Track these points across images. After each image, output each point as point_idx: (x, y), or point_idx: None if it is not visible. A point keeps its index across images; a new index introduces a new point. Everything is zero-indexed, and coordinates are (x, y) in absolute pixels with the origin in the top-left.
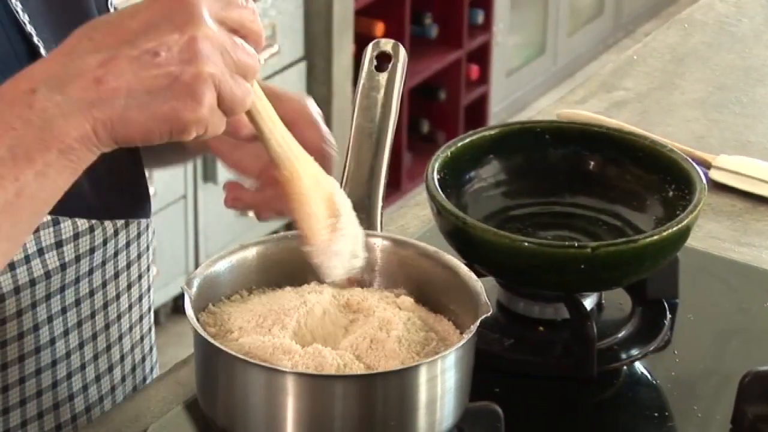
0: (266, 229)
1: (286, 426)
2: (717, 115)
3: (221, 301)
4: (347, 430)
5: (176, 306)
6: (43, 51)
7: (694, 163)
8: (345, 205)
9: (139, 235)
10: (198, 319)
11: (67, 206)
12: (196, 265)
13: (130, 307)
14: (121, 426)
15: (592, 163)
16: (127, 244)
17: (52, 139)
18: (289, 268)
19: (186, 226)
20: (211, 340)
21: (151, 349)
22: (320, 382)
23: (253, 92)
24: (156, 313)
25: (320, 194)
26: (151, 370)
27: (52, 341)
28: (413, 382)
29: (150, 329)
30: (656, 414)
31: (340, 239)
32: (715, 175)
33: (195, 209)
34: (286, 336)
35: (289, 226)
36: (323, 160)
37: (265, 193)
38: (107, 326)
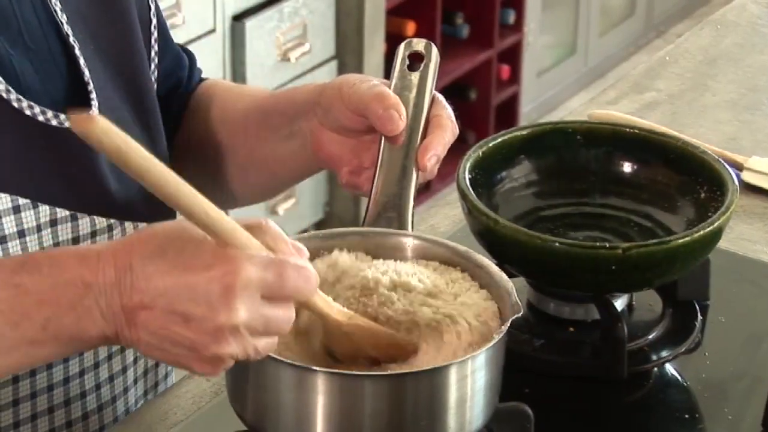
0: (294, 228)
1: (316, 425)
2: (749, 117)
3: None
4: (377, 430)
5: None
6: (78, 51)
7: (725, 165)
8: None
9: None
10: None
11: (87, 202)
12: None
13: None
14: (151, 423)
15: (624, 164)
16: None
17: (81, 332)
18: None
19: None
20: None
21: None
22: (350, 381)
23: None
24: None
25: None
26: (165, 376)
27: None
28: (444, 381)
29: None
30: (686, 416)
31: None
32: (747, 176)
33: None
34: None
35: (320, 225)
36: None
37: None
38: None
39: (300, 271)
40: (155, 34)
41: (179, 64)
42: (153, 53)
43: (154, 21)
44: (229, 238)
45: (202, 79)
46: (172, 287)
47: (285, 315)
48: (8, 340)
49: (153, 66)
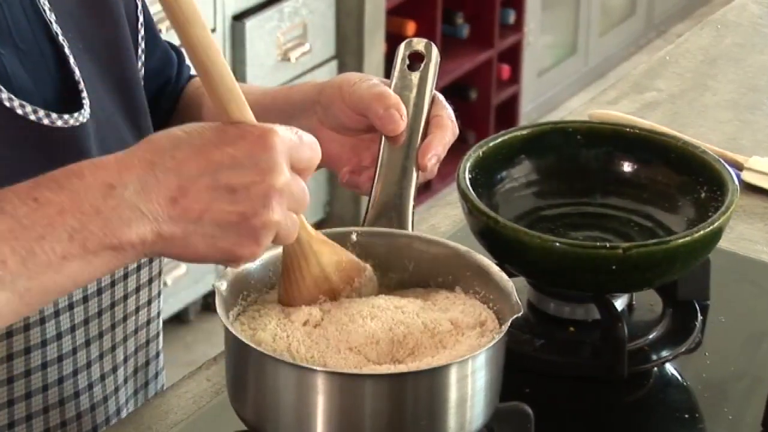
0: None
1: (316, 424)
2: (749, 117)
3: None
4: (377, 429)
5: (206, 303)
6: (67, 50)
7: (726, 165)
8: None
9: None
10: (229, 317)
11: None
12: None
13: (137, 310)
14: (150, 422)
15: (624, 164)
16: None
17: (111, 236)
18: None
19: None
20: (243, 338)
21: (157, 354)
22: (351, 381)
23: (297, 225)
24: (186, 310)
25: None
26: (156, 375)
27: (59, 336)
28: (444, 381)
29: (158, 335)
30: (686, 416)
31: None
32: (747, 176)
33: None
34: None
35: (320, 225)
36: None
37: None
38: (113, 326)
39: (311, 139)
40: (142, 32)
41: (168, 62)
42: (140, 51)
43: (141, 18)
44: (242, 108)
45: (192, 77)
46: (210, 163)
47: (306, 192)
48: (39, 257)
49: (140, 64)
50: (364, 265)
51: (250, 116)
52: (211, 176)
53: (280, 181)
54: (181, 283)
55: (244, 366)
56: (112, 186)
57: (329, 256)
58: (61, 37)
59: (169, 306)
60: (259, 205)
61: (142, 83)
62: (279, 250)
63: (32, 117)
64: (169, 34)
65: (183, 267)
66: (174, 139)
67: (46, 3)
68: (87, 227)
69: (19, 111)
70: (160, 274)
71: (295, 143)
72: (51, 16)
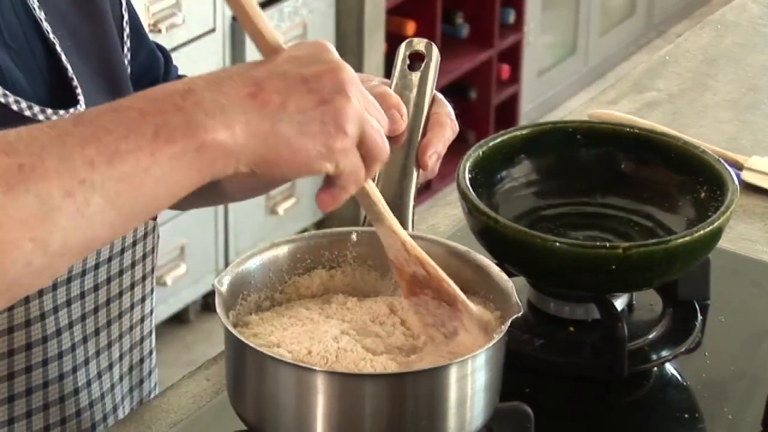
0: (294, 227)
1: (316, 424)
2: (749, 117)
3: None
4: (377, 429)
5: (206, 303)
6: (58, 48)
7: (726, 165)
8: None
9: (145, 236)
10: (229, 317)
11: None
12: (226, 263)
13: (132, 307)
14: (150, 422)
15: (624, 163)
16: (134, 243)
17: (197, 130)
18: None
19: (216, 223)
20: (242, 338)
21: (150, 352)
22: (351, 381)
23: (387, 145)
24: (185, 310)
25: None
26: (149, 373)
27: (59, 332)
28: (444, 381)
29: (151, 332)
30: (686, 415)
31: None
32: (747, 176)
33: (225, 207)
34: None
35: (320, 226)
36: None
37: None
38: (109, 323)
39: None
40: (127, 30)
41: (154, 62)
42: (126, 49)
43: (126, 17)
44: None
45: (180, 76)
46: (276, 64)
47: (384, 118)
48: (125, 156)
49: (126, 62)
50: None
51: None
52: (280, 72)
53: (347, 71)
54: (181, 283)
55: (244, 366)
56: (190, 89)
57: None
58: (51, 35)
59: (169, 306)
60: (334, 90)
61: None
62: (277, 250)
63: (28, 113)
64: (170, 34)
65: (183, 267)
66: (236, 66)
67: (35, 1)
68: (170, 122)
69: (15, 107)
70: (152, 271)
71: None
72: (40, 14)
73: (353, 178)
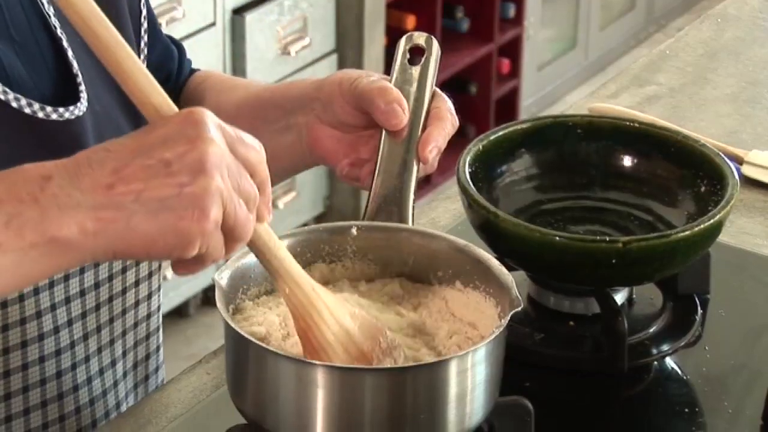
0: (294, 221)
1: (316, 419)
2: (749, 111)
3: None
4: (377, 423)
5: (206, 297)
6: (65, 43)
7: (726, 159)
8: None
9: None
10: (229, 311)
11: None
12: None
13: (137, 304)
14: (150, 416)
15: (624, 157)
16: None
17: (49, 225)
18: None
19: None
20: (243, 333)
21: (157, 348)
22: (350, 375)
23: (253, 222)
24: (186, 304)
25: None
26: (156, 369)
27: (56, 329)
28: (444, 375)
29: (158, 329)
30: (686, 409)
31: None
32: (747, 170)
33: None
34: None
35: (320, 219)
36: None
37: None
38: (111, 320)
39: (254, 140)
40: (145, 25)
41: (169, 57)
42: (143, 44)
43: (144, 12)
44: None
45: (193, 71)
46: (142, 145)
47: (252, 183)
48: None
49: (142, 57)
50: (380, 326)
51: (174, 107)
52: (144, 156)
53: (213, 148)
54: (181, 277)
55: (244, 360)
56: (49, 177)
57: (340, 308)
58: (59, 30)
59: (169, 300)
60: (196, 171)
61: None
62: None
63: (27, 110)
64: (170, 28)
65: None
66: (107, 143)
67: None
68: (23, 214)
69: (14, 104)
70: (159, 268)
71: (233, 136)
72: (49, 9)
73: (212, 257)
